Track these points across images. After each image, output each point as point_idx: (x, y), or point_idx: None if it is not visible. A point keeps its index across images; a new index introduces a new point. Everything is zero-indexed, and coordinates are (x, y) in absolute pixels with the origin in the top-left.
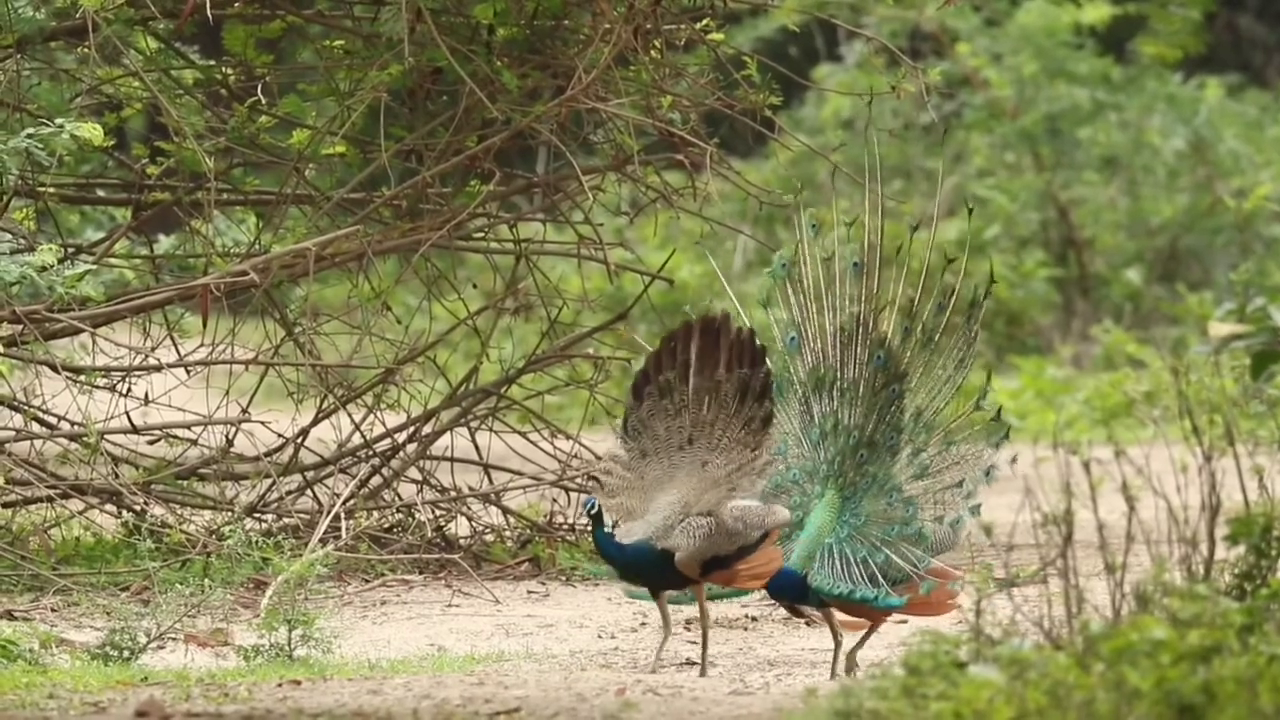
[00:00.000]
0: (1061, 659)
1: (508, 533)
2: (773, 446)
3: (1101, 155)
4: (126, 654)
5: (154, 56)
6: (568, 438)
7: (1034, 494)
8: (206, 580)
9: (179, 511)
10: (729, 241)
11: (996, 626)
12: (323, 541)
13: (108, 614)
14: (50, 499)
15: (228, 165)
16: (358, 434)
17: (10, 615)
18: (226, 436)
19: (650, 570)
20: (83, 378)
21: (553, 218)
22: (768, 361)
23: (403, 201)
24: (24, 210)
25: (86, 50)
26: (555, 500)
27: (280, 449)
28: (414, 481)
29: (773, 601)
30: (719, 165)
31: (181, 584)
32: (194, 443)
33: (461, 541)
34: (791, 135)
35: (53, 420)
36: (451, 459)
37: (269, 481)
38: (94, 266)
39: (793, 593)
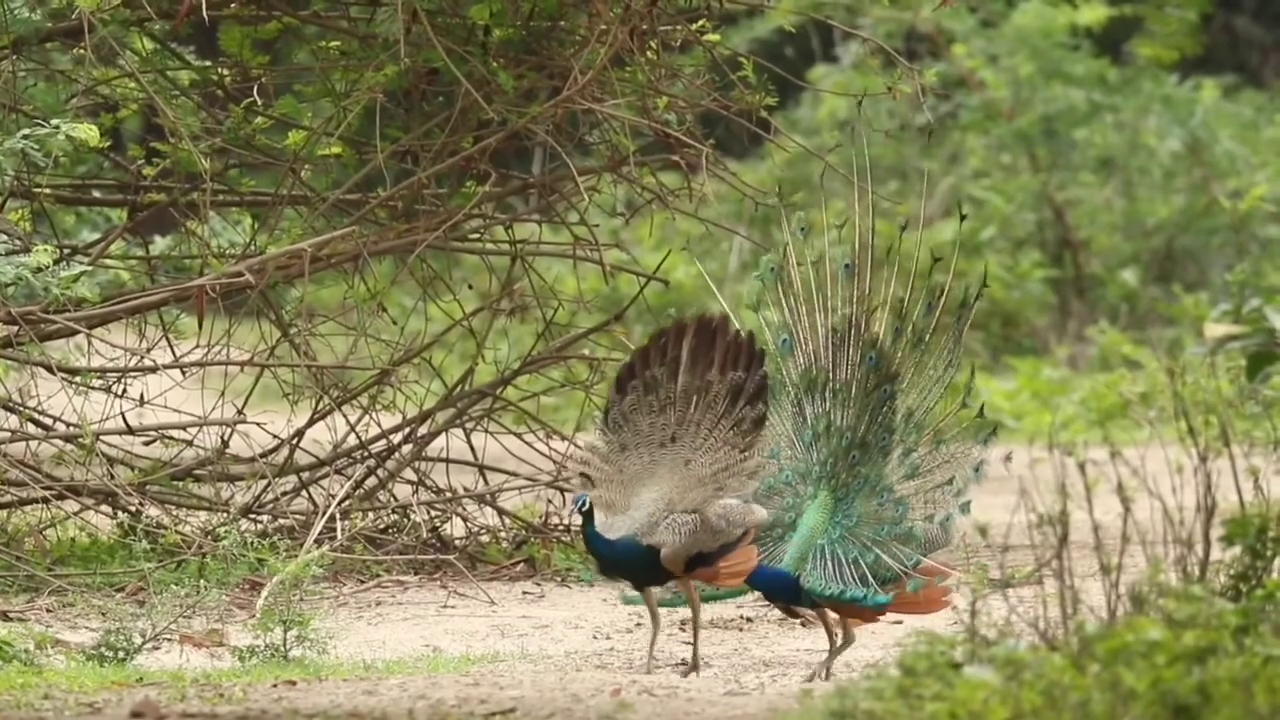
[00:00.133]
0: (1057, 660)
1: (503, 534)
2: (765, 449)
3: (1097, 156)
4: (122, 654)
5: (150, 57)
6: (563, 439)
7: (1029, 495)
8: (202, 581)
9: (174, 512)
10: (724, 242)
11: (992, 627)
12: (318, 542)
13: (103, 614)
14: (46, 500)
15: (223, 166)
16: (353, 435)
17: (5, 616)
18: (222, 437)
19: (636, 566)
20: (78, 379)
21: (548, 219)
22: (764, 365)
23: (398, 202)
24: (19, 211)
25: (82, 51)
26: (550, 501)
27: (275, 450)
28: (409, 482)
29: (767, 602)
30: (714, 166)
31: (177, 585)
32: (189, 444)
33: (457, 542)
34: (787, 136)
35: (48, 421)
36: (447, 460)
37: (264, 482)
38: (89, 267)
39: (786, 594)
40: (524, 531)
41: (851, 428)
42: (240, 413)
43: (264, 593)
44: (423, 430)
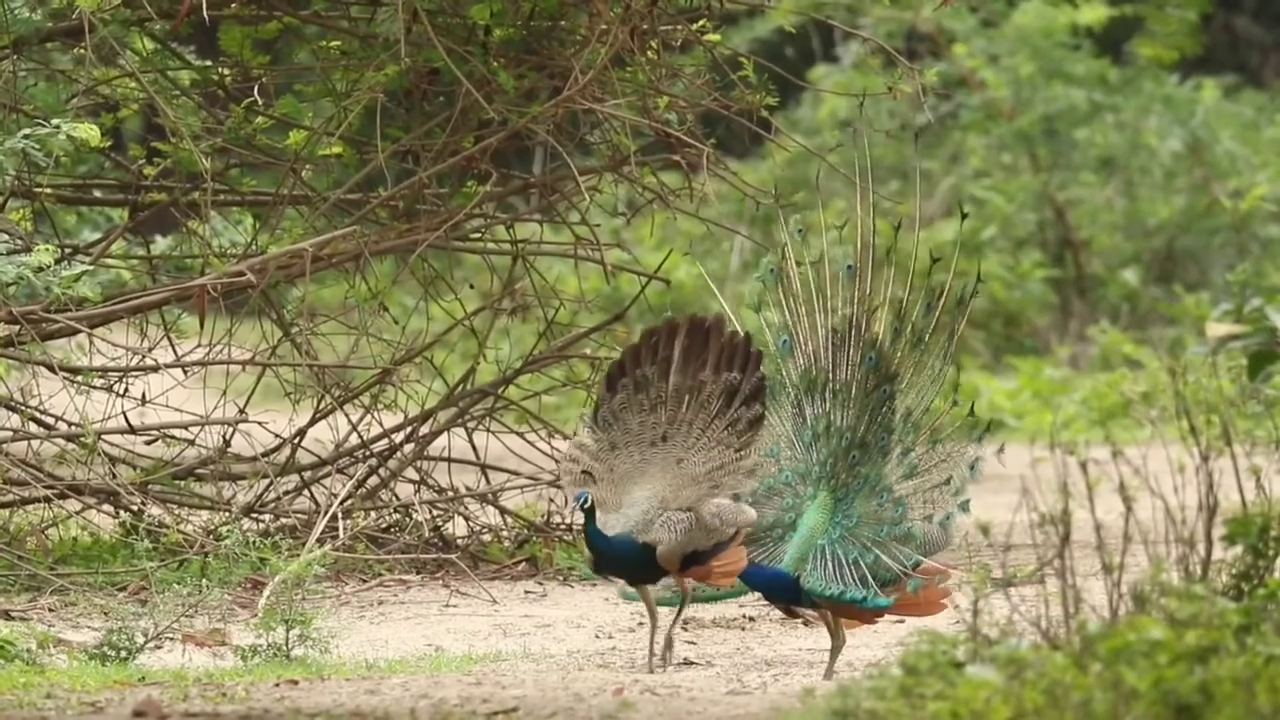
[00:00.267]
0: (1059, 659)
1: (505, 533)
2: (762, 448)
3: (1098, 156)
4: (124, 654)
5: (150, 57)
6: (565, 438)
7: (1031, 494)
8: (204, 580)
9: (176, 511)
10: (725, 242)
11: (994, 626)
12: (320, 541)
13: (105, 614)
14: (48, 499)
15: (224, 166)
16: (355, 434)
17: (8, 615)
18: (224, 437)
19: (632, 563)
20: (80, 378)
21: (550, 218)
22: (763, 367)
23: (399, 202)
24: (21, 211)
25: (83, 51)
26: (552, 500)
27: (277, 449)
28: (411, 481)
29: (768, 602)
30: (715, 166)
31: (179, 584)
32: (191, 443)
33: (459, 541)
34: (788, 136)
35: (50, 420)
36: (449, 459)
37: (266, 482)
38: (91, 267)
39: (786, 594)
40: (526, 531)
41: (851, 428)
42: (242, 412)
43: (266, 592)
44: (424, 429)
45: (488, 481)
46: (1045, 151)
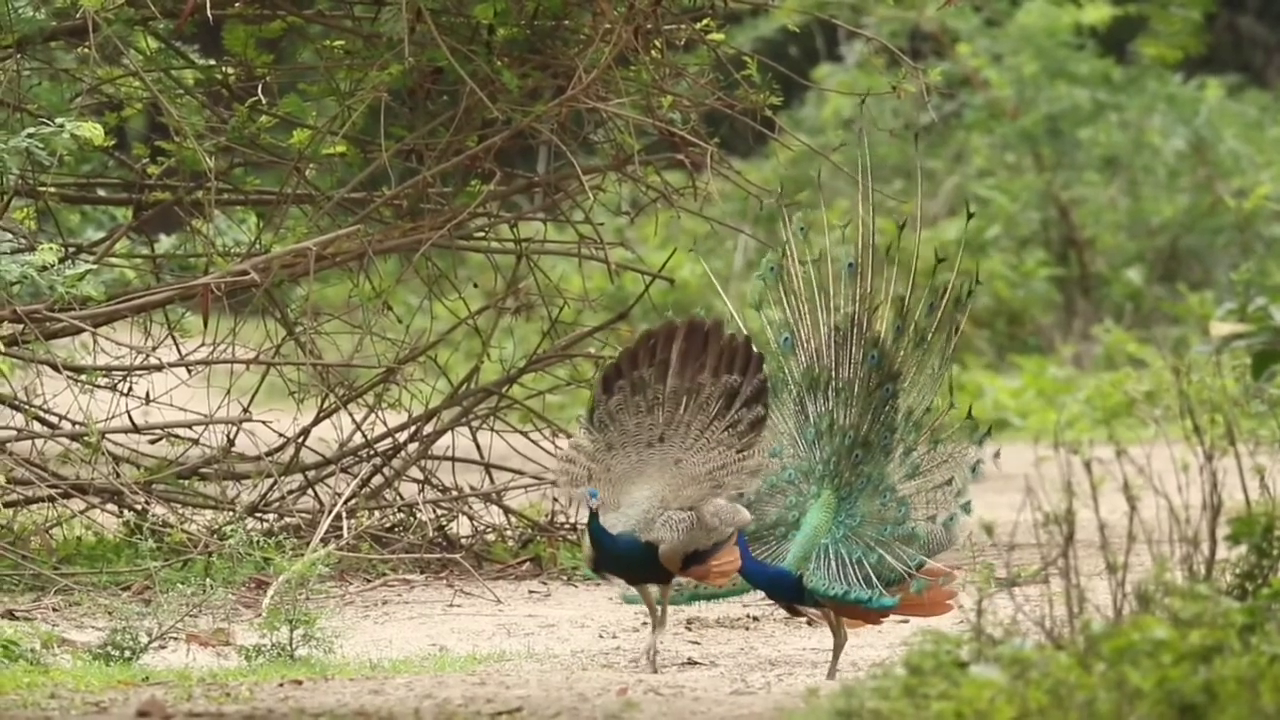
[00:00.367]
0: (1063, 659)
1: (509, 532)
2: (765, 449)
3: (1102, 155)
4: (128, 654)
5: (154, 56)
6: (569, 437)
7: (1035, 493)
8: (208, 580)
9: (180, 511)
10: (729, 241)
11: (998, 626)
12: (324, 541)
13: (109, 614)
14: (51, 498)
15: (228, 165)
16: (359, 433)
17: (12, 615)
18: (228, 436)
19: (634, 562)
20: (84, 377)
21: (553, 217)
22: (764, 369)
23: (403, 201)
24: (25, 210)
25: (87, 50)
26: (556, 500)
27: (281, 448)
28: (415, 481)
29: (772, 601)
30: (719, 165)
31: (183, 583)
32: (195, 442)
33: (463, 541)
34: (792, 135)
35: (54, 420)
36: (453, 458)
37: (270, 481)
38: (94, 266)
39: (789, 594)
40: (530, 530)
41: (854, 426)
42: (246, 411)
43: (270, 592)
44: (428, 429)
45: (492, 481)
46: (1049, 151)
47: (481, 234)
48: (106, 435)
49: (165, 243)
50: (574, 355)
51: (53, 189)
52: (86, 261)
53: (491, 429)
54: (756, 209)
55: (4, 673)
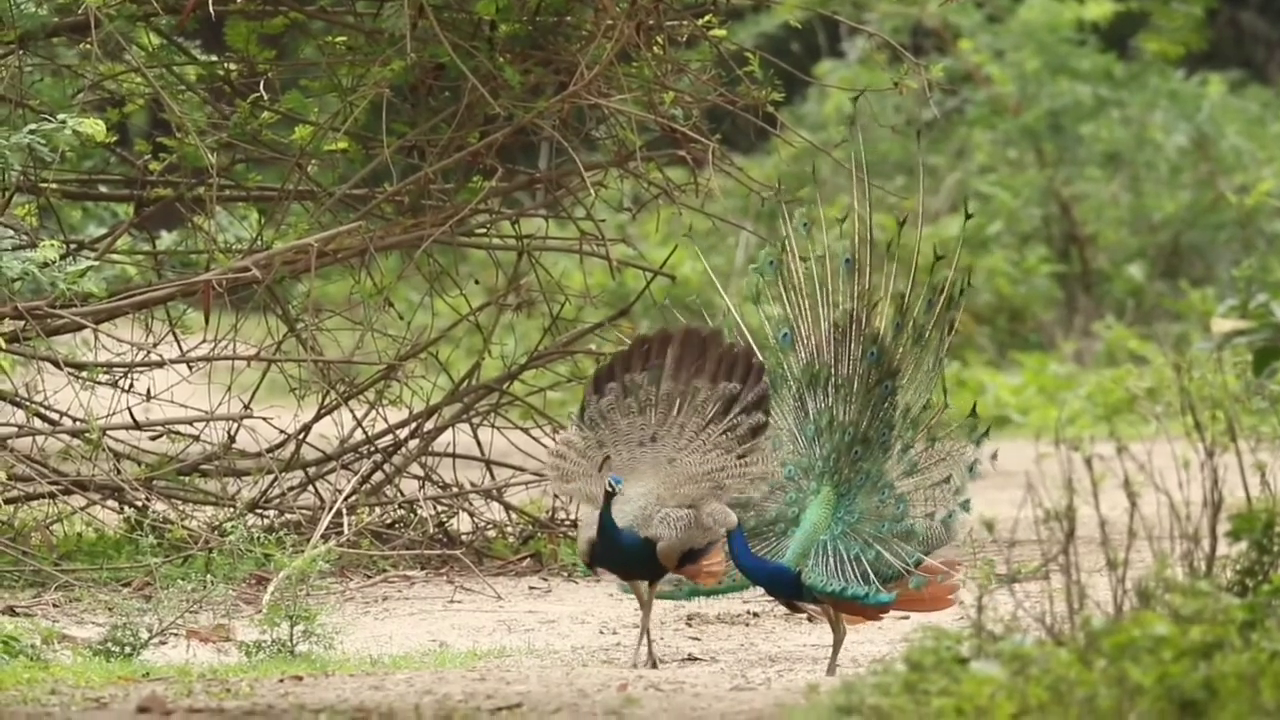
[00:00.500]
0: (1063, 655)
1: (510, 528)
2: (770, 457)
3: (1104, 151)
4: (128, 650)
5: (156, 52)
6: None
7: (1036, 490)
8: (208, 576)
9: (181, 507)
10: (731, 237)
11: (998, 622)
12: (325, 537)
13: (110, 610)
14: (52, 495)
15: (230, 161)
16: (360, 430)
17: (12, 611)
18: (228, 432)
19: (632, 557)
20: (85, 374)
21: (555, 213)
22: (765, 379)
23: (405, 197)
24: (26, 206)
25: (89, 46)
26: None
27: (282, 445)
28: (416, 477)
29: (771, 597)
30: (721, 161)
31: (183, 580)
32: (196, 439)
33: (463, 537)
34: (793, 131)
35: (55, 416)
36: (453, 455)
37: (271, 477)
38: (96, 262)
39: (788, 590)
40: (531, 526)
41: (854, 423)
42: (247, 408)
43: (270, 588)
44: (429, 425)
45: (492, 477)
46: (1051, 147)
47: (483, 230)
48: (107, 432)
49: (167, 239)
50: (575, 352)
51: (54, 185)
52: (88, 258)
53: (492, 425)
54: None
55: (5, 669)
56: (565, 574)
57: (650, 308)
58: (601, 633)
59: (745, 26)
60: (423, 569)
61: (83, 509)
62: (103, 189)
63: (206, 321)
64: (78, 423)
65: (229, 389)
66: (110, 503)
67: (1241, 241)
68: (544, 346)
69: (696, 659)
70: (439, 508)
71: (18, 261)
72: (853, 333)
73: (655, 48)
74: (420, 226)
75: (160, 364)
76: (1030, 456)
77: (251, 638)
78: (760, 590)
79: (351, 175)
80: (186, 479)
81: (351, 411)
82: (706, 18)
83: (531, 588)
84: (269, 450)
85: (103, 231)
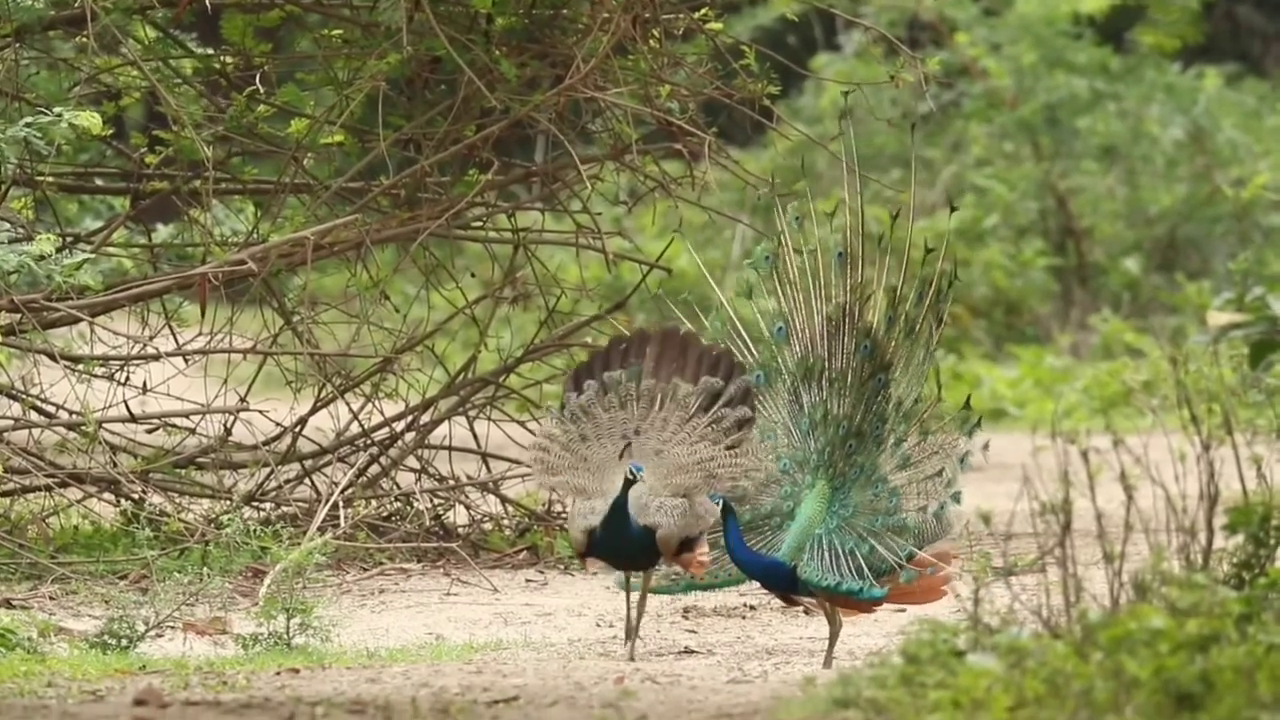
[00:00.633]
0: (1060, 648)
1: (506, 521)
2: (759, 450)
3: (1100, 145)
4: (125, 642)
5: (152, 45)
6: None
7: (1032, 483)
8: (205, 569)
9: (177, 500)
10: (727, 231)
11: (995, 615)
12: (321, 530)
13: (106, 602)
14: (48, 487)
15: (226, 154)
16: (356, 423)
17: (9, 603)
18: (225, 425)
19: (633, 546)
20: (81, 366)
21: (551, 207)
22: (746, 377)
23: (401, 190)
24: (22, 199)
25: (85, 39)
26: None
27: (278, 438)
28: (412, 470)
29: (766, 591)
30: (717, 154)
31: (180, 572)
32: (192, 431)
33: (460, 530)
34: (790, 124)
35: (51, 409)
36: (450, 448)
37: (267, 470)
38: (92, 255)
39: (783, 584)
40: (527, 519)
41: (848, 416)
42: (243, 400)
43: (267, 580)
44: (425, 418)
45: (489, 470)
46: (1047, 140)
47: (479, 223)
48: (103, 424)
49: (163, 232)
50: (571, 345)
51: (50, 178)
52: (84, 251)
53: (489, 418)
54: (754, 199)
55: (1, 661)
56: (562, 567)
57: (646, 301)
58: (598, 625)
59: (741, 20)
60: (419, 562)
61: (79, 502)
62: (99, 182)
63: (203, 314)
64: (74, 415)
65: (225, 382)
66: (106, 495)
67: (1238, 235)
68: (540, 340)
69: (693, 652)
70: (435, 500)
71: (14, 254)
72: (846, 326)
73: (651, 41)
74: (416, 220)
75: (156, 357)
76: (1026, 449)
77: (248, 630)
78: (756, 583)
79: (347, 168)
80: (183, 472)
81: (348, 404)
82: (702, 11)
83: (528, 580)
84: (265, 443)
85: (99, 225)
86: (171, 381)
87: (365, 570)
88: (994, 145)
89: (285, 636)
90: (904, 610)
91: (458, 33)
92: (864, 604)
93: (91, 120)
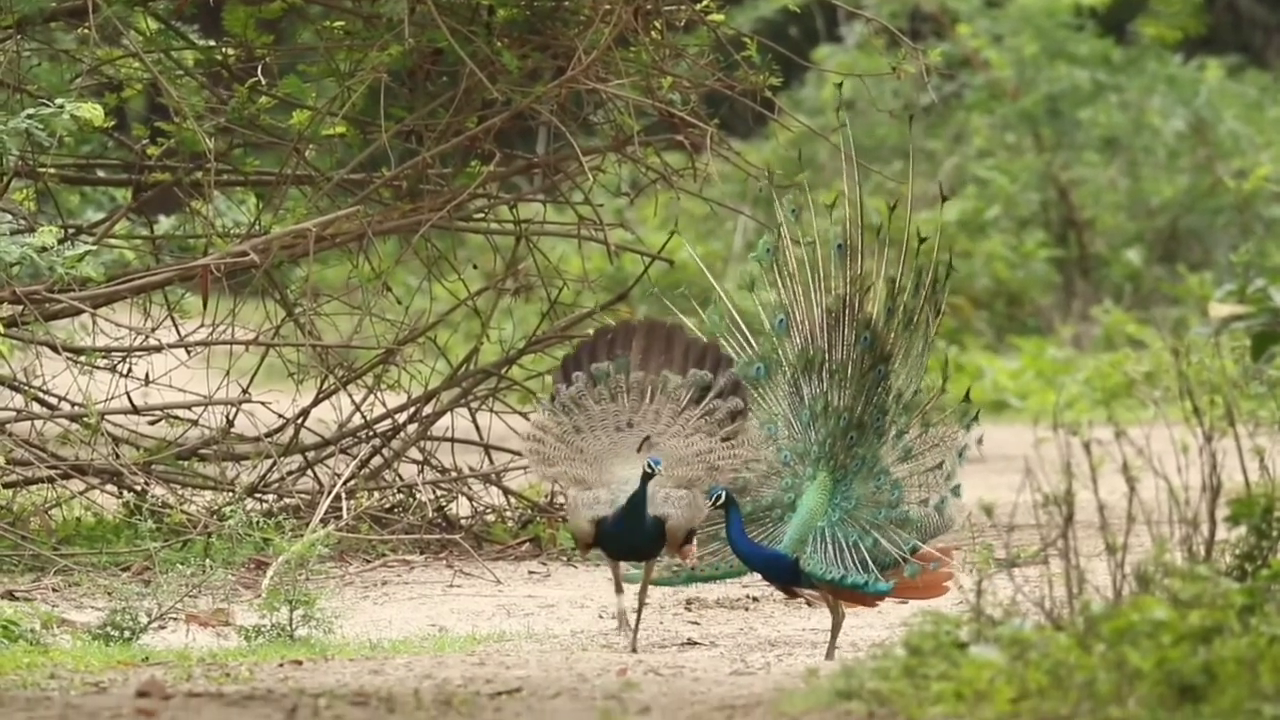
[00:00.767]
0: (1062, 639)
1: (509, 513)
2: (756, 441)
3: (1102, 136)
4: (128, 634)
5: (154, 37)
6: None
7: (1035, 474)
8: (207, 560)
9: (180, 492)
10: (729, 222)
11: (998, 607)
12: (324, 522)
13: (109, 594)
14: (51, 479)
15: (228, 146)
16: (358, 414)
17: (11, 595)
18: (227, 417)
19: (643, 537)
20: (83, 358)
21: (553, 198)
22: (733, 369)
23: (403, 182)
24: (24, 191)
25: (87, 31)
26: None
27: (281, 429)
28: (415, 462)
29: (768, 583)
30: (719, 146)
31: (182, 564)
32: (195, 423)
33: (462, 522)
34: (791, 116)
35: (53, 401)
36: (452, 439)
37: (270, 462)
38: (94, 247)
39: (785, 576)
40: (529, 511)
41: (849, 408)
42: (245, 392)
43: (270, 572)
44: (428, 410)
45: (491, 462)
46: (1049, 131)
47: (481, 215)
48: (106, 416)
49: (165, 224)
50: (573, 336)
51: (52, 170)
52: (86, 242)
53: (491, 410)
54: (756, 190)
55: (4, 653)
56: (564, 558)
57: (648, 292)
58: (601, 617)
59: (743, 11)
60: (422, 553)
61: (81, 493)
62: (101, 174)
63: (205, 306)
64: (76, 407)
65: (227, 373)
66: (109, 487)
67: (1239, 226)
68: (542, 331)
69: (696, 643)
70: (438, 492)
71: (16, 246)
72: (846, 318)
73: (653, 32)
74: (418, 211)
75: (158, 348)
76: (1029, 441)
77: (251, 622)
78: (758, 575)
79: (349, 160)
80: (185, 463)
81: (350, 396)
82: (704, 2)
83: (530, 572)
84: (267, 435)
85: (101, 216)
86: (174, 373)
87: (368, 562)
88: (995, 137)
89: (288, 628)
90: (906, 602)
91: (459, 24)
92: (868, 598)
93: (93, 112)
